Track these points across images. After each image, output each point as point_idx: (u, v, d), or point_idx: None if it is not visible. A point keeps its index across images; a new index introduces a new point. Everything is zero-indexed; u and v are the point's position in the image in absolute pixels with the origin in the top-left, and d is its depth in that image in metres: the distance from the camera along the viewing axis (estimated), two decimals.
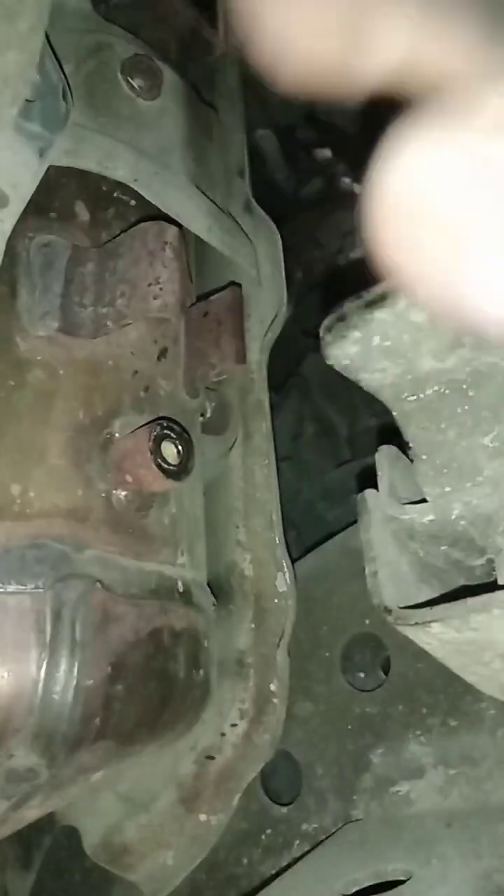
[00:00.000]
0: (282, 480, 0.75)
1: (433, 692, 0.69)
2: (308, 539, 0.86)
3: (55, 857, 0.77)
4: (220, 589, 0.68)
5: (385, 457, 0.51)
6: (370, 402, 0.49)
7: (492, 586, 0.43)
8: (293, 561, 0.73)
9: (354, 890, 0.54)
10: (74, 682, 0.48)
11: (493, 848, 0.52)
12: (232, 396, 0.71)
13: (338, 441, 0.98)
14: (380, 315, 0.41)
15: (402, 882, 0.52)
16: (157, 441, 0.53)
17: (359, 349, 0.43)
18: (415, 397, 0.45)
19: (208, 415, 0.69)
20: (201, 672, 0.59)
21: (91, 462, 0.53)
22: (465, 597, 0.44)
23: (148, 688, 0.53)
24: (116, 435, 0.55)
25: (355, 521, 0.78)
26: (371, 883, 0.54)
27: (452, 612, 0.42)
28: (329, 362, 0.44)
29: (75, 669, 0.48)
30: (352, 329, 0.41)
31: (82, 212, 0.60)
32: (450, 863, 0.51)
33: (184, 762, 0.67)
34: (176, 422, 0.56)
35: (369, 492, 0.50)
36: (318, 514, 0.95)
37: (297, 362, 1.00)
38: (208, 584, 0.64)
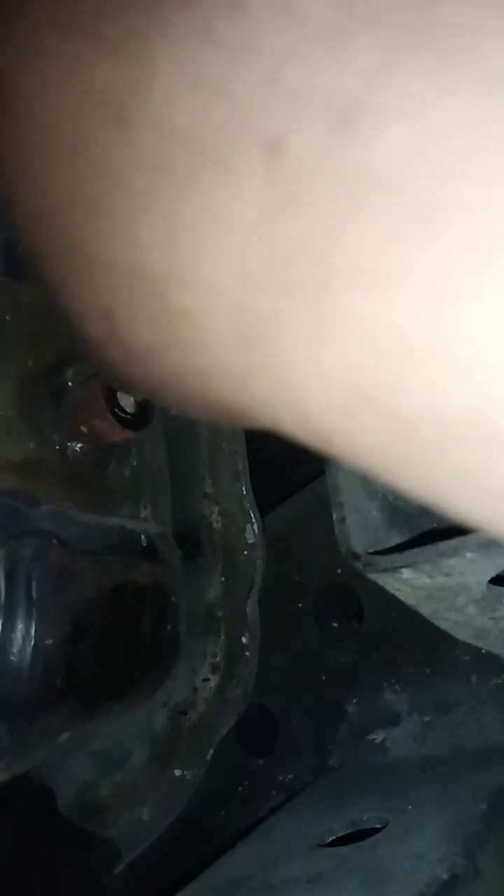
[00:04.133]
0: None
1: (407, 640, 0.68)
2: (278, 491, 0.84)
3: (31, 819, 0.76)
4: (187, 542, 0.66)
5: None
6: None
7: (463, 529, 0.41)
8: (265, 513, 0.72)
9: (330, 839, 0.53)
10: (33, 643, 0.46)
11: (467, 793, 0.51)
12: None
13: None
14: None
15: (378, 830, 0.52)
16: (112, 389, 0.50)
17: None
18: None
19: None
20: (168, 627, 0.57)
21: (43, 413, 0.51)
22: (436, 541, 0.42)
23: (112, 646, 0.52)
24: (69, 384, 0.52)
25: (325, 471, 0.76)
26: (347, 832, 0.54)
27: (423, 557, 0.40)
28: None
29: (33, 629, 0.46)
30: None
31: None
32: (425, 810, 0.50)
33: (156, 719, 0.66)
34: None
35: None
36: (288, 465, 0.94)
37: None
38: (176, 538, 0.62)
